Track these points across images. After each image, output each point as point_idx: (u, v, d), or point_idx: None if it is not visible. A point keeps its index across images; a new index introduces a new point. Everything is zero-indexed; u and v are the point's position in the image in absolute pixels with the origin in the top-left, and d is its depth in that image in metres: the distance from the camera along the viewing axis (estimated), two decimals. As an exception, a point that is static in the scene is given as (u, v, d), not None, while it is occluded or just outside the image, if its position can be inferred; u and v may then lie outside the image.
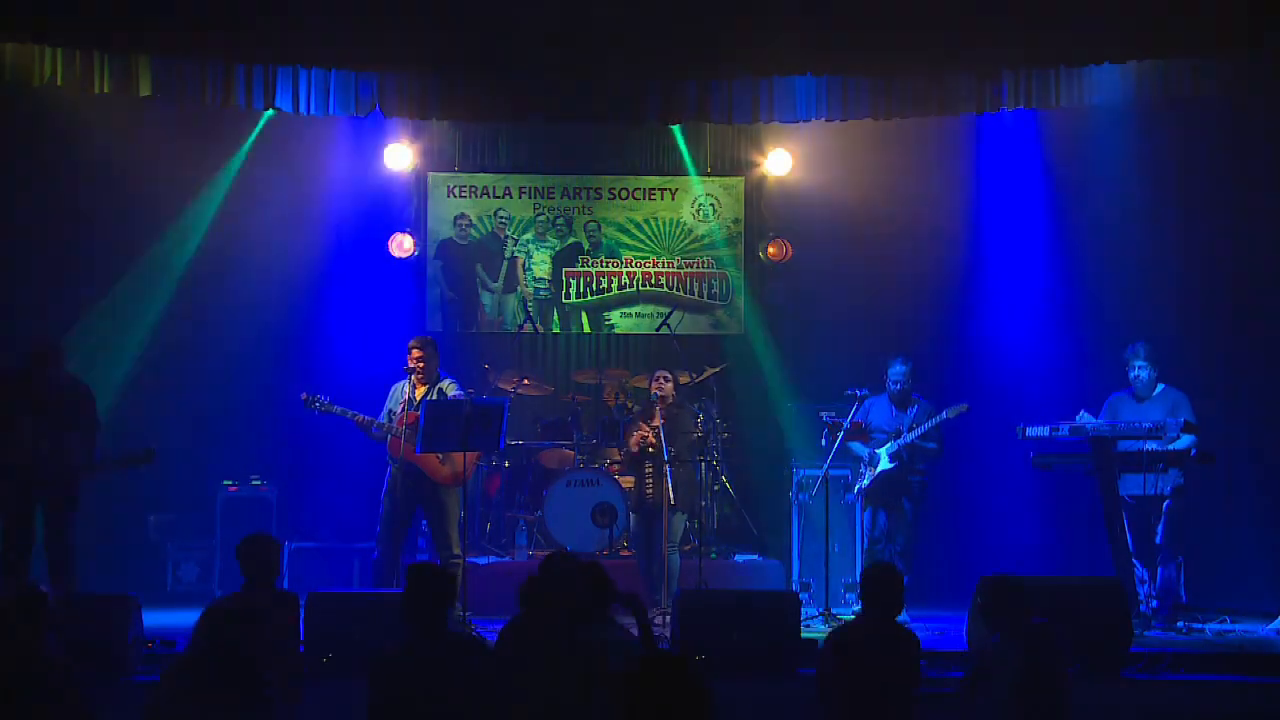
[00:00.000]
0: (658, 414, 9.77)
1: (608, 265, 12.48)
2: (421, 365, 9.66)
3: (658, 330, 12.30)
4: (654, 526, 9.76)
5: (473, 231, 12.43)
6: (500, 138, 12.31)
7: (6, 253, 10.95)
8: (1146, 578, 9.61)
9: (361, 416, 9.59)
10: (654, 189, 12.50)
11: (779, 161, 12.24)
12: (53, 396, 8.82)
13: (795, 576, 10.80)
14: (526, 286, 12.44)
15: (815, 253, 12.19)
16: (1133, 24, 9.46)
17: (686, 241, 12.47)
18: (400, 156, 12.04)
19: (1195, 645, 9.03)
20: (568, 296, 12.47)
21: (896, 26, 9.60)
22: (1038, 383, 11.14)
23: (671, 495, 9.54)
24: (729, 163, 12.47)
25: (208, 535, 11.03)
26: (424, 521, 9.94)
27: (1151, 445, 9.49)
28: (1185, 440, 9.50)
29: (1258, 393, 10.89)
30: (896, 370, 10.16)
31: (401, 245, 12.11)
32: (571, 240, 12.48)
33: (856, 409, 10.06)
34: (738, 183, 12.50)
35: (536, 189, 12.48)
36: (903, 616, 9.74)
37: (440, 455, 9.46)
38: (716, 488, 11.19)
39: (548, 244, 12.47)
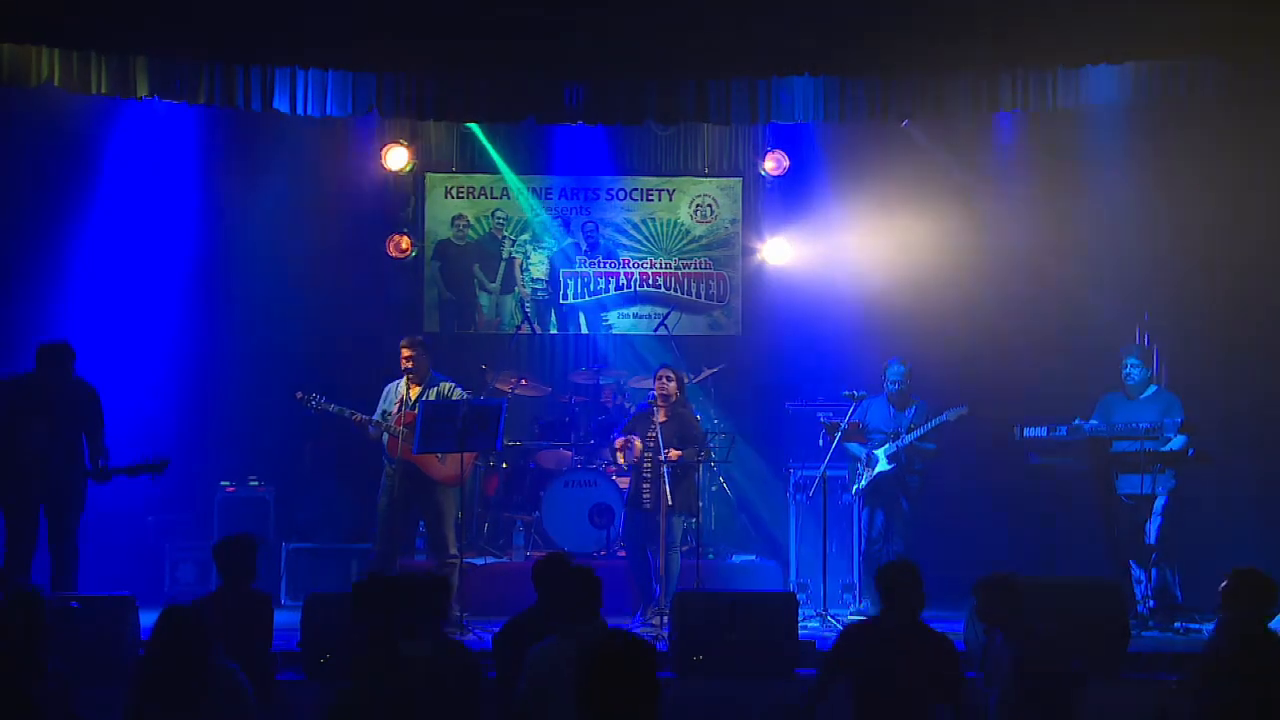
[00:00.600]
0: (662, 412, 9.77)
1: (605, 266, 12.48)
2: (412, 365, 9.67)
3: (655, 331, 12.31)
4: (649, 527, 9.75)
5: (470, 232, 12.43)
6: (498, 139, 12.30)
7: (4, 254, 10.95)
8: (1143, 578, 9.62)
9: (358, 415, 9.61)
10: (651, 189, 12.51)
11: (777, 162, 12.25)
12: (61, 398, 8.85)
13: (793, 577, 10.80)
14: (524, 287, 12.44)
15: (812, 253, 12.19)
16: (1130, 25, 9.46)
17: (684, 242, 12.48)
18: (398, 157, 12.04)
19: (1192, 646, 9.02)
20: (565, 297, 12.47)
21: (894, 27, 9.60)
22: (1035, 383, 11.14)
23: (670, 496, 9.53)
24: (726, 163, 12.48)
25: (205, 536, 10.99)
26: (420, 522, 9.93)
27: (1149, 446, 9.51)
28: (1180, 440, 9.51)
29: (1254, 393, 10.89)
30: (894, 371, 10.17)
31: (399, 246, 12.12)
32: (569, 241, 12.48)
33: (854, 409, 10.06)
34: (735, 183, 12.51)
35: (534, 189, 12.47)
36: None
37: (439, 455, 9.47)
38: (714, 488, 11.19)
39: (545, 244, 12.47)
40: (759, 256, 12.38)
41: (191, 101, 10.10)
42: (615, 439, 9.99)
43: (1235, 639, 6.06)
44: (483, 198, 12.44)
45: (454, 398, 9.61)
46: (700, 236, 12.50)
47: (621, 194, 12.52)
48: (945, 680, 6.05)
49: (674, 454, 9.59)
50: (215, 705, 5.64)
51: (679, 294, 12.48)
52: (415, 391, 9.68)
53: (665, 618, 9.04)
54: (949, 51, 9.72)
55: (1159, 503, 9.60)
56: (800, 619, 8.62)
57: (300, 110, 10.08)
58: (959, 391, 10.64)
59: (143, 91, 9.83)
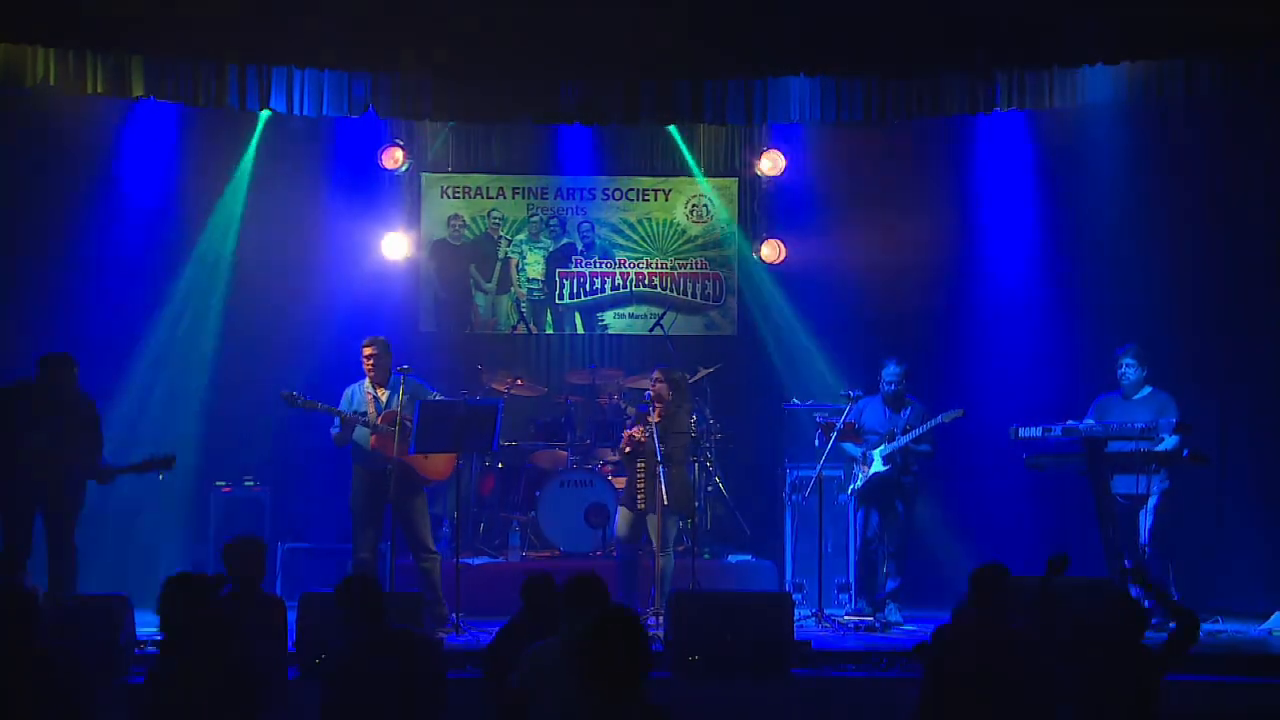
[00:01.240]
0: (655, 412, 9.77)
1: (601, 266, 12.48)
2: (374, 365, 9.72)
3: (651, 331, 12.32)
4: (643, 527, 9.75)
5: (466, 232, 12.43)
6: (494, 138, 12.30)
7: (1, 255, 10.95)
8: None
9: (345, 413, 9.63)
10: (647, 190, 12.51)
11: (773, 162, 12.25)
12: (60, 406, 8.85)
13: (788, 577, 10.81)
14: (520, 287, 12.44)
15: (808, 254, 12.20)
16: (1126, 25, 9.47)
17: (680, 242, 12.48)
18: (394, 157, 12.04)
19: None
20: (561, 297, 12.47)
21: (890, 27, 9.61)
22: (1030, 383, 11.15)
23: (665, 496, 9.53)
24: (723, 164, 12.48)
25: (201, 536, 11.02)
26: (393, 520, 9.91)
27: (1144, 446, 9.52)
28: (1175, 440, 9.52)
29: (1249, 393, 10.92)
30: (890, 371, 10.16)
31: (395, 246, 12.12)
32: (565, 241, 12.48)
33: (850, 410, 10.06)
34: (731, 183, 12.51)
35: (530, 189, 12.48)
36: (895, 615, 9.89)
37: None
38: (710, 488, 11.20)
39: (541, 245, 12.47)
40: (755, 257, 12.37)
41: (187, 102, 10.10)
42: (626, 431, 9.95)
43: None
44: (478, 198, 12.44)
45: (432, 397, 9.64)
46: (696, 237, 12.50)
47: (617, 194, 12.52)
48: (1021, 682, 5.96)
49: (639, 433, 9.57)
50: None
51: (675, 294, 12.48)
52: (384, 394, 9.70)
53: (661, 618, 9.04)
54: (945, 52, 9.72)
55: (1152, 502, 9.61)
56: (796, 619, 8.62)
57: (296, 110, 10.09)
58: (954, 392, 10.66)
59: (138, 91, 9.84)
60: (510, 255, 12.45)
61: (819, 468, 10.02)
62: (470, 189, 12.45)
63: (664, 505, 9.53)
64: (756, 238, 12.37)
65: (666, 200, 12.51)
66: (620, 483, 10.39)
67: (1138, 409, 9.73)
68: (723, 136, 12.32)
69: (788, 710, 7.95)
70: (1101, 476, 9.74)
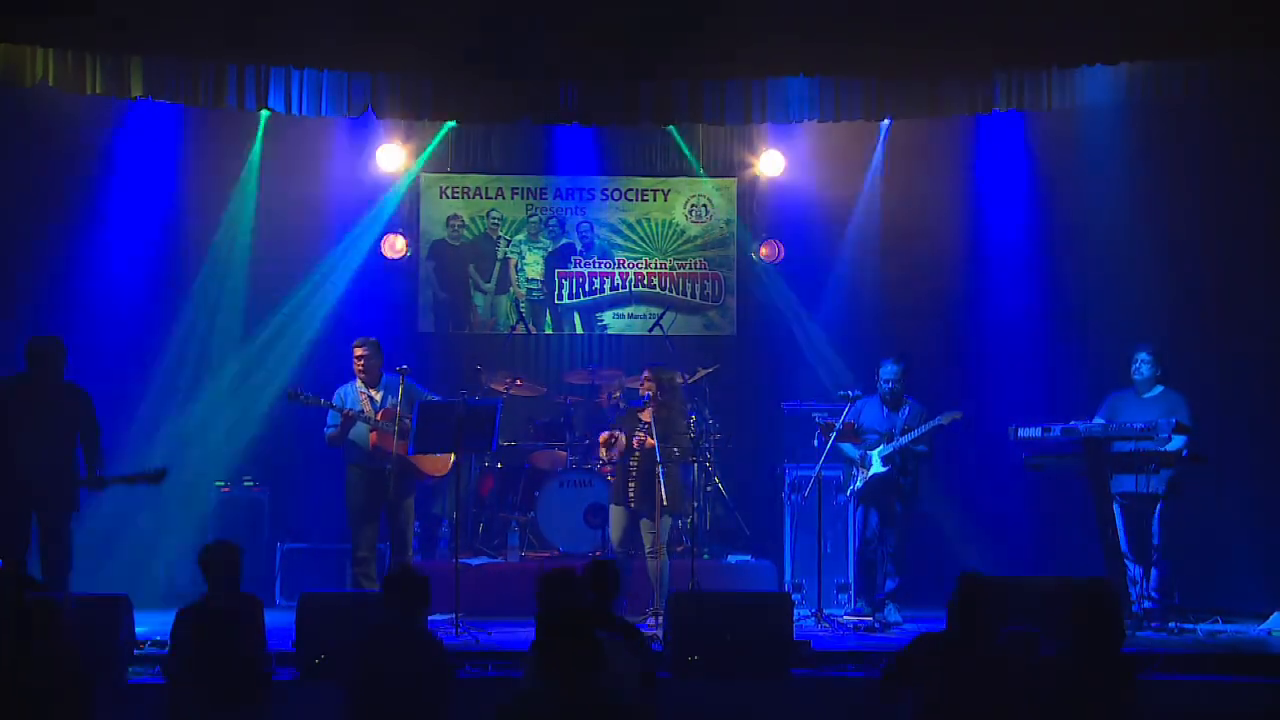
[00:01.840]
0: (647, 412, 9.77)
1: (600, 266, 12.48)
2: (364, 366, 9.77)
3: (650, 331, 12.31)
4: (636, 527, 9.75)
5: (465, 232, 12.42)
6: (493, 139, 12.30)
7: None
8: (1139, 578, 9.63)
9: (350, 410, 9.64)
10: (646, 190, 12.50)
11: (771, 162, 12.25)
12: (50, 401, 8.82)
13: (788, 577, 10.80)
14: (519, 287, 12.44)
15: (807, 254, 12.20)
16: (1124, 25, 9.47)
17: (679, 242, 12.47)
18: (393, 157, 12.03)
19: (1187, 646, 9.04)
20: (560, 297, 12.46)
21: (888, 27, 9.61)
22: (1030, 383, 11.15)
23: (664, 496, 9.52)
24: (722, 164, 12.47)
25: (200, 536, 10.96)
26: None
27: (1144, 446, 9.51)
28: (1177, 441, 9.52)
29: (1249, 393, 10.92)
30: (888, 370, 10.15)
31: (394, 246, 12.12)
32: (564, 241, 12.48)
33: (848, 409, 10.06)
34: (730, 184, 12.50)
35: (529, 190, 12.47)
36: (894, 615, 9.89)
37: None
38: (709, 488, 11.19)
39: (540, 245, 12.46)
40: (754, 257, 12.37)
41: (186, 101, 10.10)
42: (602, 432, 9.98)
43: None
44: (478, 198, 12.44)
45: (427, 398, 9.67)
46: (695, 237, 12.50)
47: (616, 194, 12.52)
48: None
49: (649, 441, 9.59)
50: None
51: (674, 294, 12.47)
52: (378, 395, 9.73)
53: (660, 618, 9.03)
54: (943, 52, 9.72)
55: (1158, 504, 9.61)
56: (795, 619, 8.62)
57: (295, 110, 10.09)
58: (953, 392, 10.66)
59: (137, 91, 9.84)
60: (509, 255, 12.44)
61: (818, 468, 10.02)
62: (469, 189, 12.45)
63: (663, 505, 9.53)
64: (756, 238, 12.37)
65: (665, 200, 12.50)
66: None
67: (1149, 407, 9.72)
68: (722, 136, 12.32)
69: (787, 710, 7.94)
70: (1101, 476, 9.74)
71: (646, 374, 9.88)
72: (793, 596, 9.44)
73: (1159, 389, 9.81)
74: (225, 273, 11.67)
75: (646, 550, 9.71)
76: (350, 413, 9.66)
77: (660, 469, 9.47)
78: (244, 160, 11.63)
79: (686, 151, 12.29)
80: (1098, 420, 9.75)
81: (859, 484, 10.10)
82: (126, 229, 11.38)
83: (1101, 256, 11.31)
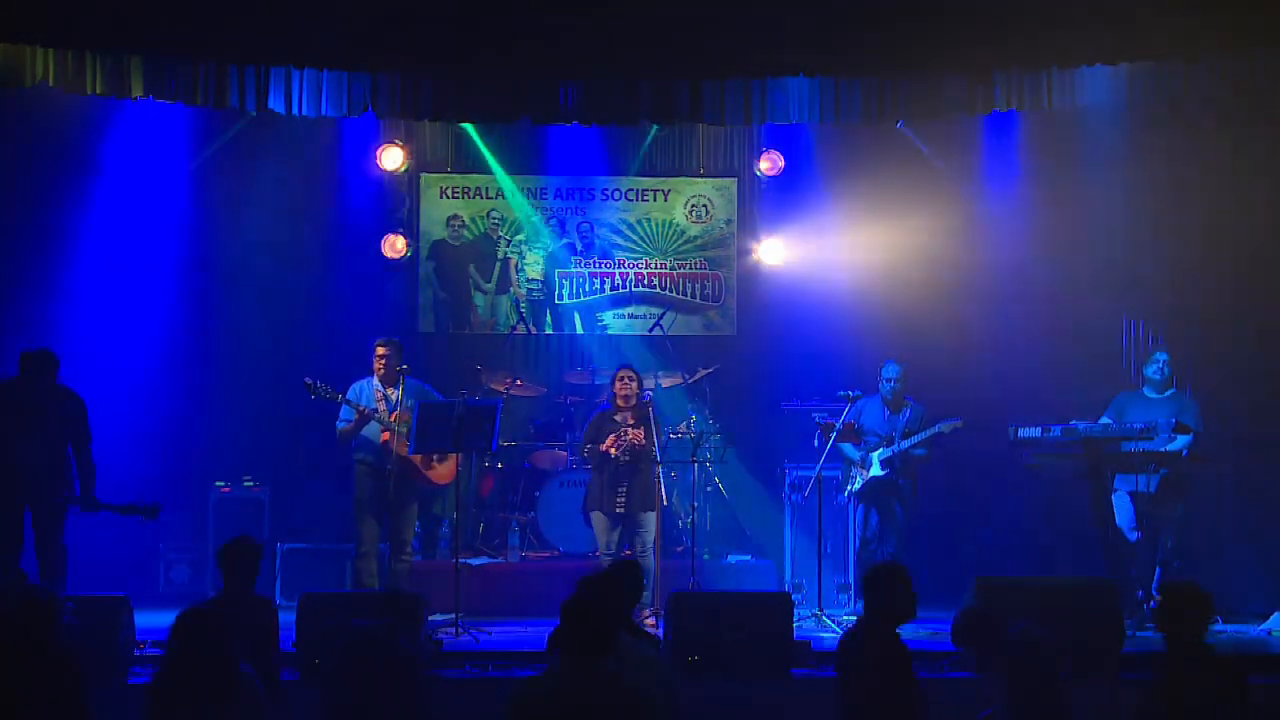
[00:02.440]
0: (629, 414, 9.78)
1: (600, 266, 12.48)
2: (385, 365, 9.82)
3: (650, 331, 12.32)
4: (624, 531, 9.75)
5: (465, 232, 12.42)
6: (493, 139, 12.30)
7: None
8: (1139, 560, 9.64)
9: (366, 408, 9.65)
10: (647, 190, 12.50)
11: (772, 163, 12.25)
12: (44, 406, 8.82)
13: (788, 577, 10.81)
14: (519, 287, 12.43)
15: (807, 254, 12.19)
16: (1125, 25, 9.46)
17: (679, 243, 12.47)
18: (393, 157, 12.03)
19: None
20: (560, 297, 12.46)
21: (888, 28, 9.60)
22: (1030, 384, 11.14)
23: (665, 496, 9.53)
24: (721, 164, 12.48)
25: (200, 536, 11.02)
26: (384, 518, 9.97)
27: (1143, 446, 9.52)
28: (1179, 441, 9.52)
29: (1249, 393, 10.91)
30: (890, 371, 10.16)
31: (394, 246, 12.12)
32: (564, 241, 12.47)
33: (849, 410, 10.06)
34: (730, 184, 12.51)
35: (529, 190, 12.47)
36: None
37: (437, 455, 9.55)
38: (709, 488, 11.19)
39: (540, 245, 12.46)
40: (754, 257, 12.37)
41: (186, 101, 10.08)
42: (593, 446, 9.92)
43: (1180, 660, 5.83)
44: (478, 198, 12.44)
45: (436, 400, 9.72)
46: (695, 237, 12.50)
47: (616, 194, 12.52)
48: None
49: (640, 440, 9.65)
50: (237, 709, 5.62)
51: (674, 294, 12.47)
52: (394, 393, 9.74)
53: (657, 618, 9.03)
54: (943, 52, 9.72)
55: (1158, 505, 9.61)
56: (795, 619, 8.62)
57: (295, 110, 10.06)
58: (953, 392, 10.66)
59: (137, 91, 9.82)
60: (509, 255, 12.44)
61: (818, 468, 10.02)
62: (469, 189, 12.45)
63: (663, 504, 9.54)
64: (756, 238, 12.37)
65: (665, 200, 12.50)
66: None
67: (1160, 408, 9.73)
68: (722, 137, 12.32)
69: (787, 710, 7.93)
70: (1100, 477, 9.74)
71: (628, 373, 9.90)
72: (793, 596, 9.43)
73: (1171, 390, 9.83)
74: (225, 272, 11.66)
75: (637, 552, 9.70)
76: (367, 410, 9.67)
77: (659, 467, 9.48)
78: (243, 160, 11.62)
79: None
80: (1104, 420, 9.75)
81: (858, 484, 10.10)
82: (125, 229, 11.37)
83: (1100, 256, 11.31)
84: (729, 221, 12.50)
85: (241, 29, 9.49)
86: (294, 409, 10.15)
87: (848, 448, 10.14)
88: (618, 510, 9.72)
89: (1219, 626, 9.60)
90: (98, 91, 9.79)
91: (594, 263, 12.47)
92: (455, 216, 12.41)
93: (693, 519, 10.14)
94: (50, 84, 9.67)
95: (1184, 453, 9.56)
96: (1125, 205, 11.18)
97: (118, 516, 8.97)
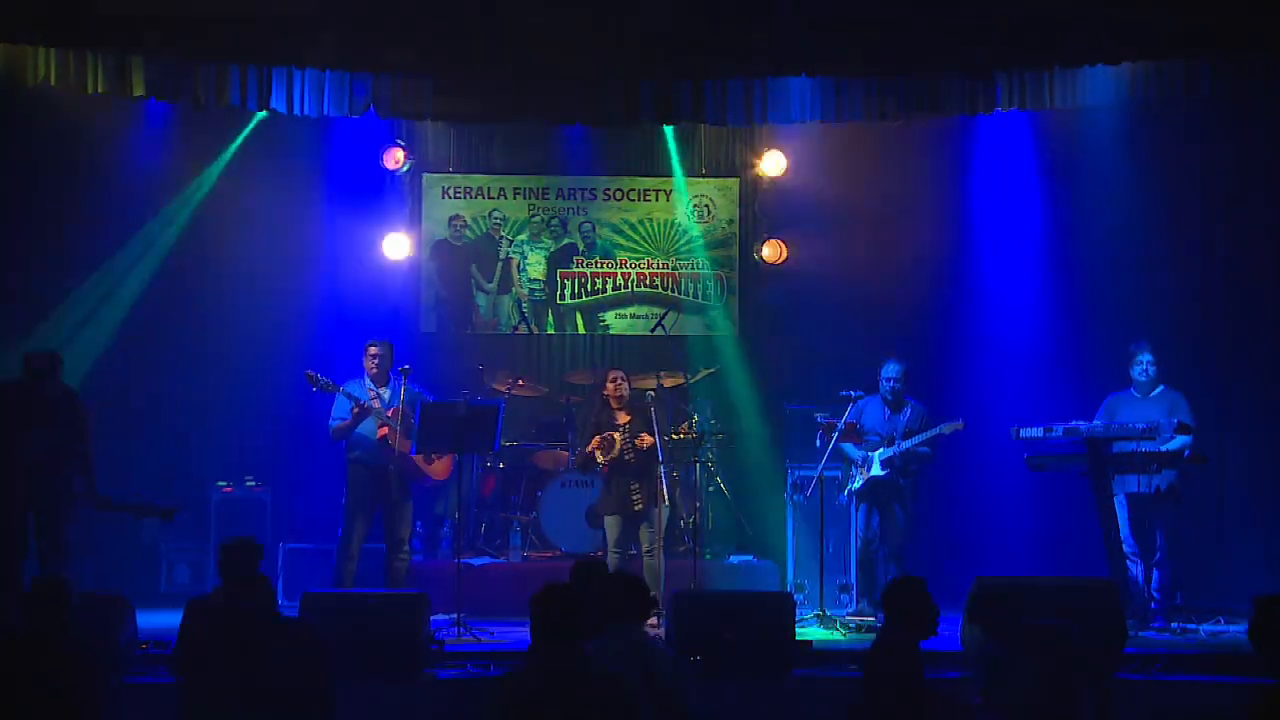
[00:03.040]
0: (623, 414, 9.78)
1: (602, 266, 12.47)
2: (378, 366, 9.91)
3: (652, 331, 12.31)
4: (634, 532, 9.75)
5: (467, 232, 12.42)
6: (495, 139, 12.30)
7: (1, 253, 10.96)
8: (1140, 577, 9.62)
9: (362, 403, 9.68)
10: (648, 190, 12.50)
11: (773, 163, 12.24)
12: (49, 408, 8.84)
13: (790, 578, 10.80)
14: (521, 287, 12.43)
15: (809, 254, 12.19)
16: (1127, 24, 9.46)
17: (681, 242, 12.47)
18: (395, 157, 12.03)
19: (1189, 646, 9.04)
20: (562, 297, 12.46)
21: (890, 27, 9.61)
22: (1032, 383, 11.14)
23: (667, 496, 9.53)
24: (723, 164, 12.47)
25: (201, 536, 11.01)
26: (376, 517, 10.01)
27: (1145, 446, 9.51)
28: (1179, 441, 9.51)
29: (1252, 393, 10.91)
30: (890, 370, 10.14)
31: (396, 246, 12.11)
32: (566, 241, 12.47)
33: (850, 410, 10.05)
34: (732, 184, 12.50)
35: (531, 190, 12.47)
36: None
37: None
38: (711, 489, 11.18)
39: (542, 245, 12.46)
40: (756, 257, 12.36)
41: (188, 101, 10.10)
42: (587, 442, 9.93)
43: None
44: (480, 198, 12.43)
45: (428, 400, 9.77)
46: (697, 237, 12.49)
47: (618, 194, 12.51)
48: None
49: (646, 440, 9.64)
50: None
51: (676, 294, 12.47)
52: (385, 391, 9.80)
53: (661, 618, 9.03)
54: (945, 52, 9.72)
55: (1160, 505, 9.60)
56: (797, 619, 8.62)
57: (297, 110, 10.07)
58: (955, 392, 10.66)
59: (139, 91, 9.83)
60: (511, 255, 12.44)
61: (820, 468, 10.02)
62: (471, 189, 12.44)
63: (665, 504, 9.54)
64: (758, 238, 12.36)
65: (667, 201, 12.49)
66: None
67: (1151, 407, 9.71)
68: (724, 137, 12.31)
69: (789, 710, 7.94)
70: (1103, 477, 9.73)
71: (619, 375, 9.90)
72: (795, 597, 9.43)
73: (1160, 388, 9.81)
74: (227, 272, 11.66)
75: (644, 550, 9.71)
76: (364, 405, 9.70)
77: (663, 468, 9.48)
78: (245, 159, 11.62)
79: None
80: (1096, 422, 9.74)
81: (857, 483, 10.09)
82: (126, 229, 11.38)
83: (1103, 256, 11.30)
84: (731, 221, 12.50)
85: (243, 29, 9.49)
86: (296, 409, 10.14)
87: (849, 448, 10.13)
88: (635, 510, 9.72)
89: (1222, 626, 9.62)
90: (99, 91, 9.80)
91: (596, 263, 12.47)
92: (457, 216, 12.41)
93: (694, 519, 10.13)
94: (52, 84, 9.68)
95: (1185, 453, 9.55)
96: (1127, 205, 11.17)
97: (122, 518, 9.02)
